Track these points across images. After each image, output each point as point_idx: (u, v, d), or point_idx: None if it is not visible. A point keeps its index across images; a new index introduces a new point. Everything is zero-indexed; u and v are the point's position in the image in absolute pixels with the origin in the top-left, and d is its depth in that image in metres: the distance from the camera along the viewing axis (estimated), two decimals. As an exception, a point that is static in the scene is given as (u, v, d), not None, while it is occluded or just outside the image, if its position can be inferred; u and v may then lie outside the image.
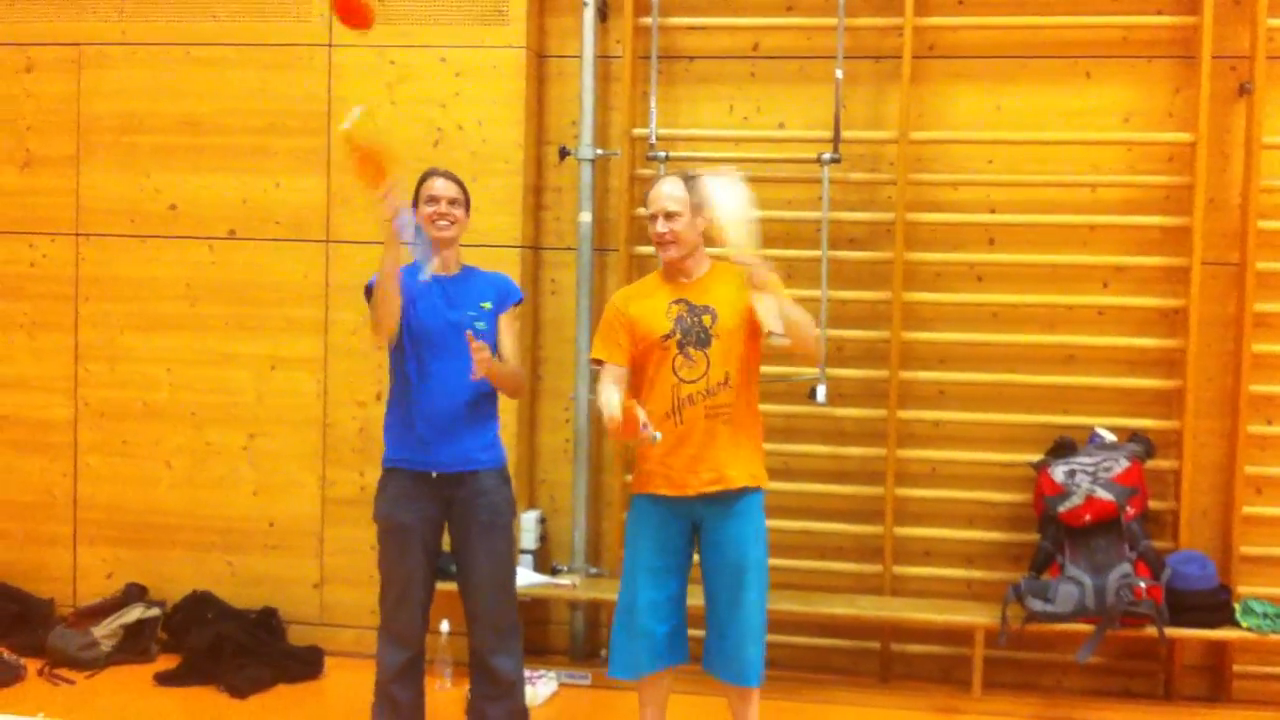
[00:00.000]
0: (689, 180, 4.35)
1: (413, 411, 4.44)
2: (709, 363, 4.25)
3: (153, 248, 6.27)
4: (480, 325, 4.43)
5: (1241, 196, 5.71)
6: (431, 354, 4.40)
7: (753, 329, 4.32)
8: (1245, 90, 5.67)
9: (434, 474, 4.44)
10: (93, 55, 6.29)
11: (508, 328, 4.60)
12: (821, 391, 5.79)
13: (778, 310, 4.15)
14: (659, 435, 3.98)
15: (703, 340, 4.26)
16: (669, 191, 4.31)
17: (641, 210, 6.02)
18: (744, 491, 4.32)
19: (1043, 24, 5.85)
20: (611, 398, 4.12)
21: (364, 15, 4.35)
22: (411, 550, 4.46)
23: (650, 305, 4.34)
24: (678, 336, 4.27)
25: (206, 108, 6.21)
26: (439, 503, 4.48)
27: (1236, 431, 5.70)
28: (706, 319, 4.29)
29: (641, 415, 3.95)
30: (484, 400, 4.50)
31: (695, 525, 4.37)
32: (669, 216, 4.28)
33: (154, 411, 6.29)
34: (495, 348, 4.46)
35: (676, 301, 4.32)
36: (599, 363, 4.39)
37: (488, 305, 4.51)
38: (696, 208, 4.29)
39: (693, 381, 4.25)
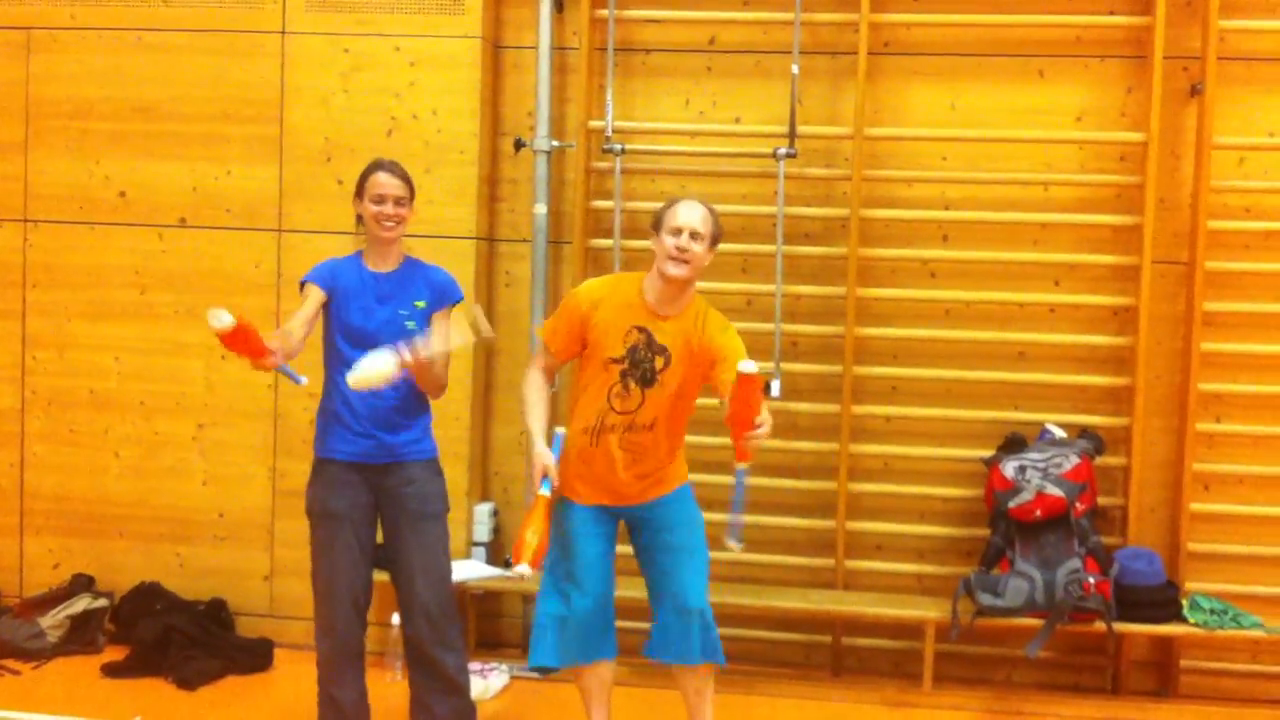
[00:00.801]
0: (711, 211, 4.31)
1: (342, 404, 4.41)
2: (643, 403, 4.25)
3: (102, 235, 6.20)
4: (411, 325, 4.37)
5: (1192, 196, 5.76)
6: (361, 349, 4.30)
7: (697, 385, 4.33)
8: (1196, 91, 5.73)
9: (363, 464, 4.41)
10: (42, 39, 6.21)
11: (444, 324, 4.48)
12: (775, 386, 5.80)
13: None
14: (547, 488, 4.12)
15: (647, 379, 4.24)
16: (697, 214, 4.25)
17: (598, 203, 6.06)
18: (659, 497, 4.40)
19: (997, 22, 5.89)
20: (543, 450, 4.19)
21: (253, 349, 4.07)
22: (341, 538, 4.42)
23: (614, 318, 4.27)
24: (625, 365, 4.24)
25: (158, 94, 6.15)
26: (369, 491, 4.45)
27: (1185, 429, 5.76)
28: (659, 361, 4.25)
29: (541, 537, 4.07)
30: (413, 394, 4.46)
31: (619, 518, 4.44)
32: (695, 236, 4.21)
33: (103, 400, 6.23)
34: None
35: (639, 328, 4.26)
36: (543, 343, 4.39)
37: (421, 304, 4.42)
38: (712, 241, 4.28)
39: (622, 413, 4.26)
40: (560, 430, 4.28)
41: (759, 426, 3.84)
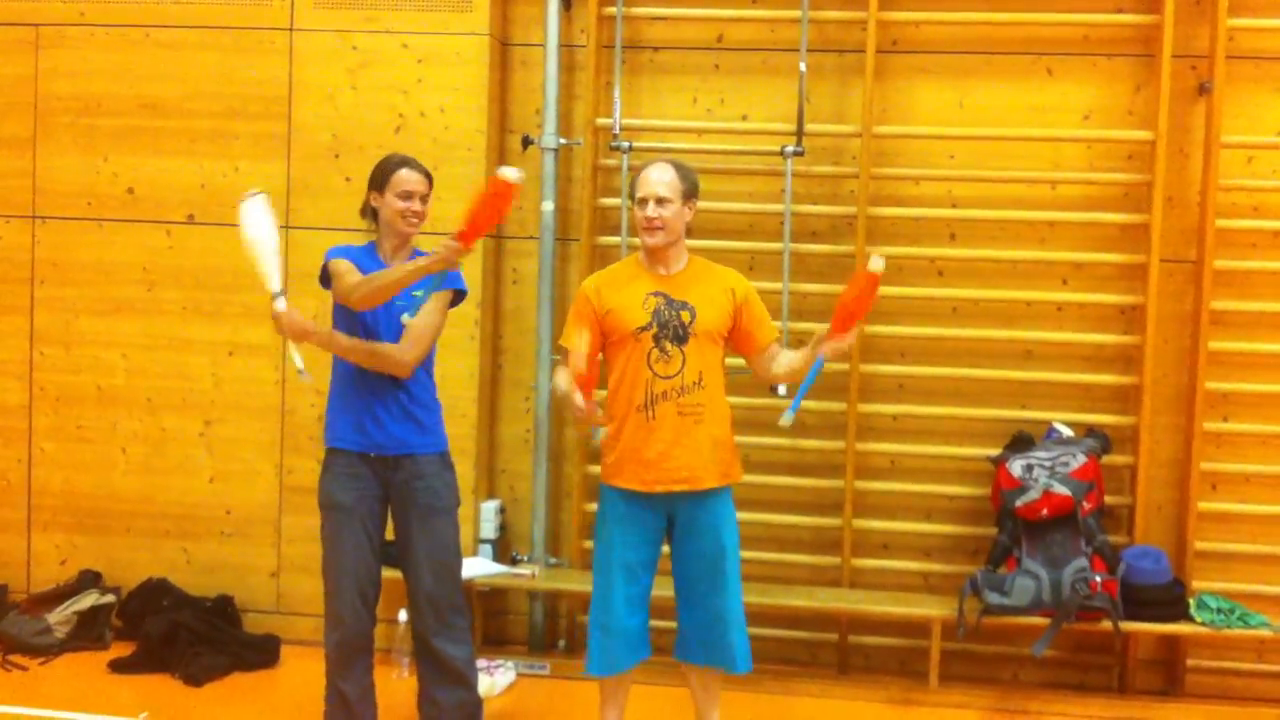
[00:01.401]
0: (679, 166, 4.35)
1: (353, 395, 4.42)
2: (684, 360, 4.25)
3: (110, 231, 6.21)
4: (405, 318, 4.36)
5: (1200, 195, 5.76)
6: (372, 341, 4.35)
7: (728, 334, 4.38)
8: (1205, 89, 5.72)
9: (373, 455, 4.42)
10: (51, 36, 6.22)
11: (432, 305, 4.40)
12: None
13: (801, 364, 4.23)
14: (602, 433, 4.09)
15: (680, 337, 4.25)
16: (659, 178, 4.30)
17: (605, 200, 6.06)
18: (715, 489, 4.36)
19: (1005, 20, 5.88)
20: (571, 390, 4.06)
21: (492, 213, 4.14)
22: (350, 529, 4.43)
23: (626, 295, 4.32)
24: (654, 330, 4.25)
25: (166, 91, 6.15)
26: (379, 484, 4.45)
27: (1192, 427, 5.75)
28: (685, 315, 4.27)
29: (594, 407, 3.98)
30: (424, 387, 4.48)
31: (668, 517, 4.38)
32: (660, 202, 4.26)
33: (110, 397, 6.23)
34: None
35: (654, 293, 4.30)
36: (564, 351, 4.36)
37: (419, 294, 4.36)
38: (686, 195, 4.30)
39: (668, 378, 4.24)
40: (601, 431, 4.20)
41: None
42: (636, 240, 5.65)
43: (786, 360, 4.36)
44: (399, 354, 4.34)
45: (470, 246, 4.06)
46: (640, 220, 4.30)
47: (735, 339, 4.41)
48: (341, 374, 4.49)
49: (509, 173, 3.98)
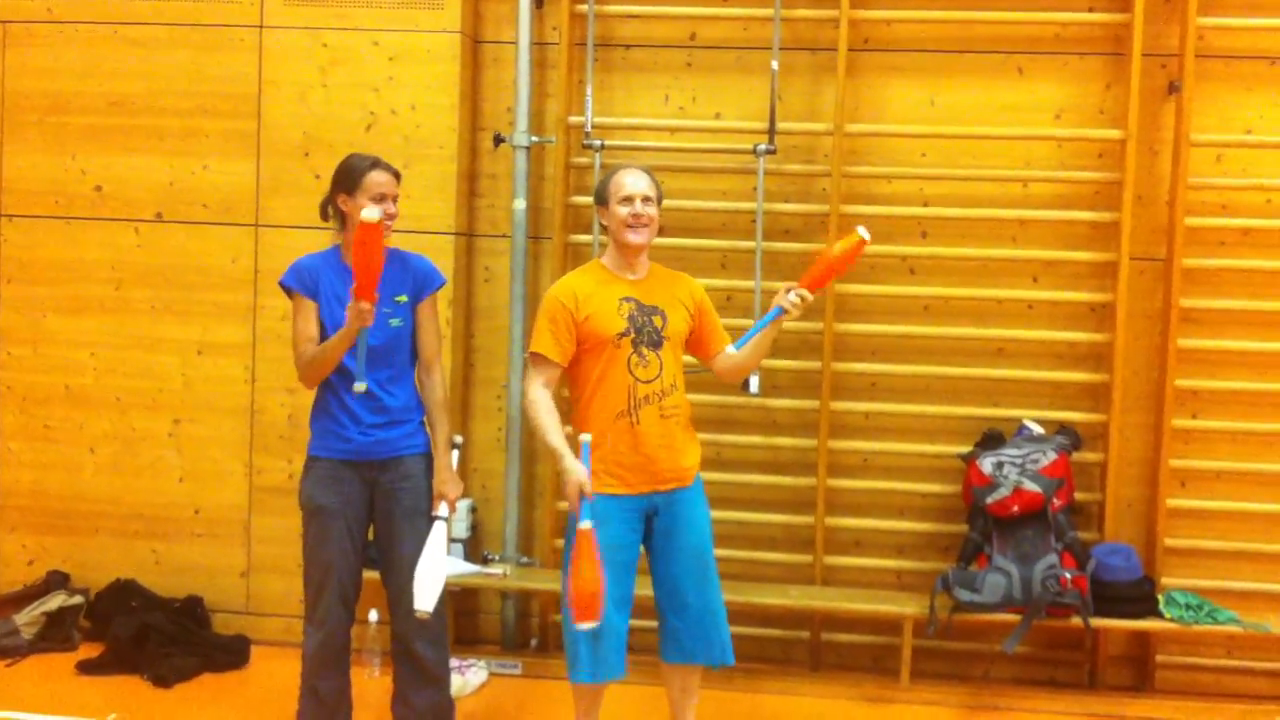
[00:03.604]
0: (650, 174, 4.44)
1: (335, 401, 4.40)
2: (661, 364, 4.29)
3: (78, 229, 6.16)
4: (395, 323, 4.35)
5: (1169, 193, 5.78)
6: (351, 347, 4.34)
7: (690, 338, 4.44)
8: (1174, 88, 5.75)
9: (357, 460, 4.40)
10: (18, 33, 6.17)
11: (429, 319, 4.52)
12: (755, 382, 5.80)
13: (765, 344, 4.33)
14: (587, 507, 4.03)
15: (655, 341, 4.29)
16: (646, 180, 4.39)
17: (577, 198, 6.05)
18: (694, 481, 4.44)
19: (977, 19, 5.89)
20: (575, 465, 4.08)
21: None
22: (333, 533, 4.40)
23: (600, 300, 4.32)
24: (631, 335, 4.27)
25: (135, 88, 6.11)
26: (363, 486, 4.43)
27: (1162, 425, 5.78)
28: (658, 320, 4.32)
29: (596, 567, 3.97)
30: (404, 389, 4.46)
31: (647, 516, 4.38)
32: (646, 200, 4.33)
33: (78, 396, 6.19)
34: (411, 338, 4.46)
35: (626, 299, 4.33)
36: (539, 357, 4.33)
37: (403, 299, 4.38)
38: (659, 201, 4.40)
39: (648, 382, 4.27)
40: (585, 437, 4.13)
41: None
42: (607, 239, 5.67)
43: (747, 347, 4.37)
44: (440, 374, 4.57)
45: (370, 298, 4.08)
46: (625, 217, 4.32)
47: (692, 343, 4.48)
48: (324, 382, 4.44)
49: (369, 214, 3.96)
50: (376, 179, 4.37)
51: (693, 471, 4.42)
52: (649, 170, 4.46)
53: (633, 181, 4.35)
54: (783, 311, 4.19)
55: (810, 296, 4.19)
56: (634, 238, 4.32)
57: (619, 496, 4.29)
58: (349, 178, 4.39)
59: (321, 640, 4.45)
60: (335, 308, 4.35)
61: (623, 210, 4.32)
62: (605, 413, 4.27)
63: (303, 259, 4.51)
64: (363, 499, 4.45)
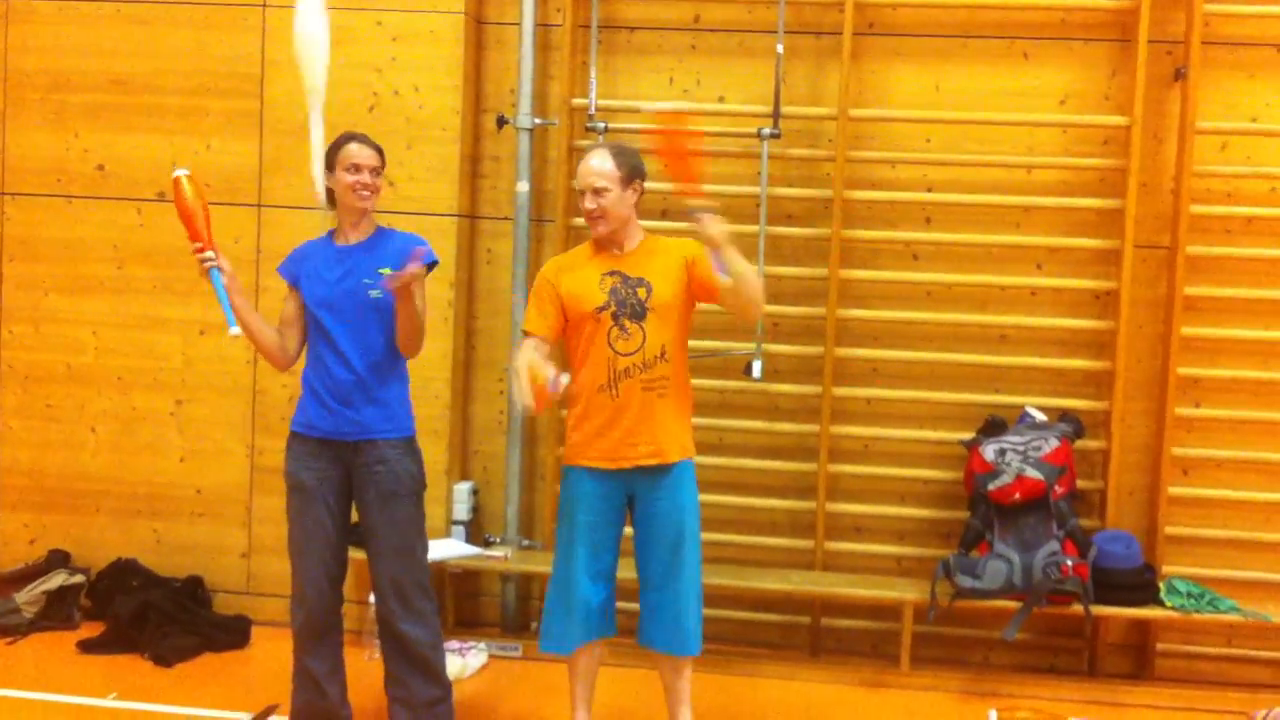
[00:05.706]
0: (618, 151, 4.34)
1: (315, 379, 4.41)
2: (645, 336, 4.25)
3: (80, 208, 6.16)
4: (375, 294, 4.33)
5: (1174, 181, 5.77)
6: (329, 323, 4.33)
7: (688, 302, 4.35)
8: (1180, 75, 5.73)
9: (332, 440, 4.39)
10: (20, 10, 6.15)
11: (420, 290, 4.42)
12: (757, 367, 5.79)
13: (728, 261, 4.06)
14: (566, 378, 3.97)
15: (638, 313, 4.26)
16: (596, 167, 4.29)
17: (576, 183, 6.02)
18: (678, 463, 4.35)
19: (982, 4, 5.87)
20: (522, 383, 3.99)
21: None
22: (311, 509, 4.41)
23: (582, 277, 4.33)
24: (612, 308, 4.26)
25: (137, 67, 6.10)
26: (340, 466, 4.42)
27: (1164, 413, 5.77)
28: (642, 291, 4.29)
29: (548, 374, 3.91)
30: (386, 369, 4.42)
31: (629, 496, 4.38)
32: (597, 193, 4.27)
33: (79, 375, 6.18)
34: (393, 316, 4.36)
35: (610, 273, 4.31)
36: (525, 333, 4.38)
37: (386, 271, 4.33)
38: (626, 180, 4.29)
39: (629, 354, 4.25)
40: (564, 376, 4.04)
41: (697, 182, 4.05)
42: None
43: (729, 272, 4.16)
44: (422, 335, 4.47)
45: (204, 246, 4.33)
46: (583, 212, 4.34)
47: (697, 291, 4.35)
48: (309, 360, 4.46)
49: (178, 171, 4.34)
50: (351, 150, 4.41)
51: (674, 450, 4.33)
52: (617, 147, 4.37)
53: (585, 171, 4.31)
54: (709, 231, 4.01)
55: (703, 204, 4.02)
56: (592, 231, 4.36)
57: (600, 471, 4.31)
58: (330, 155, 4.46)
59: (304, 618, 4.46)
60: (315, 285, 4.39)
61: (580, 203, 4.36)
62: (589, 387, 4.30)
63: (302, 245, 4.57)
64: (341, 477, 4.43)
